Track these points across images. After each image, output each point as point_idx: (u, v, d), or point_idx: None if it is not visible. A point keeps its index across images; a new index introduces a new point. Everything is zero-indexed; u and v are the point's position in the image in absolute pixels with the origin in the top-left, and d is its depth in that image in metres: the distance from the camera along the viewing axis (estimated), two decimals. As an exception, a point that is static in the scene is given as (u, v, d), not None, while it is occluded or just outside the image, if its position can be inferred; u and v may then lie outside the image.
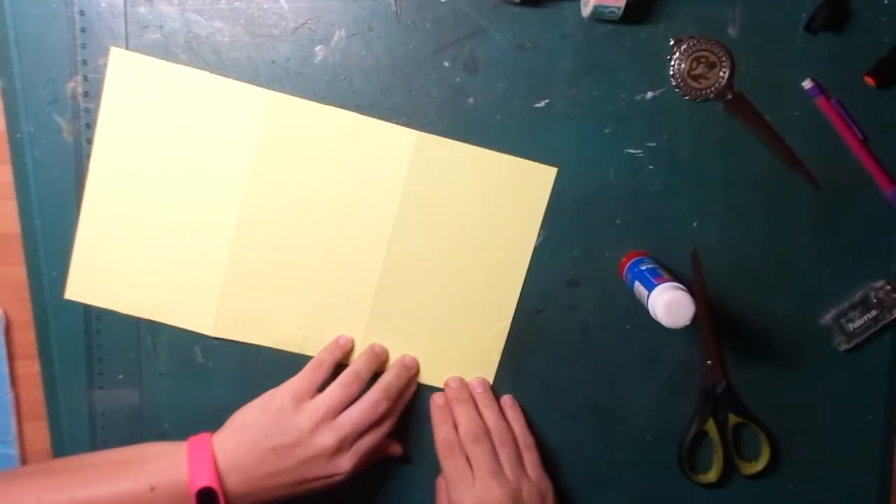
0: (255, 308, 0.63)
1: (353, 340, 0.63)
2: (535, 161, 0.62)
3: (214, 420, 0.61)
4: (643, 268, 0.59)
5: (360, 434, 0.58)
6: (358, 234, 0.62)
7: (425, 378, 0.65)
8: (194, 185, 0.61)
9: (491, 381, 0.65)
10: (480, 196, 0.62)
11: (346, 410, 0.58)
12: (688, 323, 0.53)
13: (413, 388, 0.64)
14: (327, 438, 0.56)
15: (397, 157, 0.61)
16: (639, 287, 0.58)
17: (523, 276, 0.63)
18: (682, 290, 0.54)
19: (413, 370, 0.64)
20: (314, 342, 0.63)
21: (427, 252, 0.63)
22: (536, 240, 0.63)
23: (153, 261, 0.62)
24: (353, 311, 0.63)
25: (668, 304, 0.53)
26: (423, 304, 0.63)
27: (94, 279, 0.62)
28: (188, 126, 0.60)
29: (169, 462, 0.54)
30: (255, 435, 0.56)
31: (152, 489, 0.53)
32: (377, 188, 0.61)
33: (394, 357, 0.64)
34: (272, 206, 0.61)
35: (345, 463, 0.57)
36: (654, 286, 0.55)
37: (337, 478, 0.57)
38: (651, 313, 0.54)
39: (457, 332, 0.64)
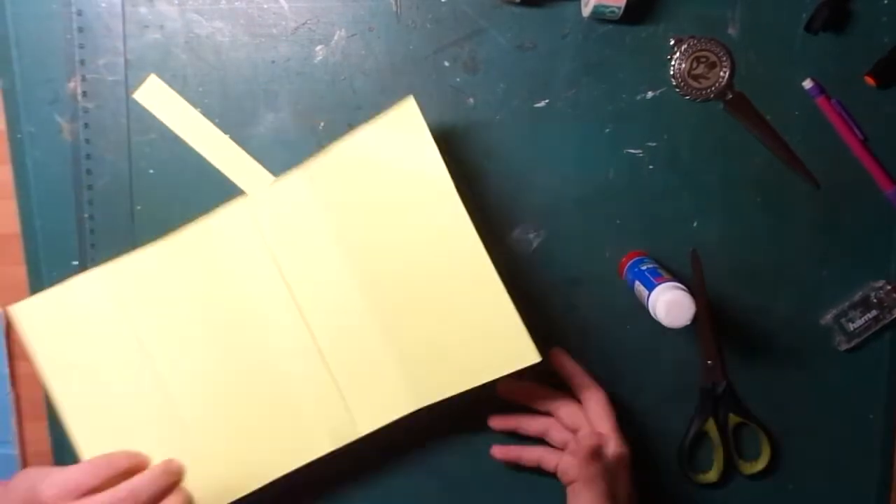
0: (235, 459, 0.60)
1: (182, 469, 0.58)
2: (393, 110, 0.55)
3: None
4: (643, 268, 0.59)
5: None
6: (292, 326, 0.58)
7: (466, 383, 0.58)
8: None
9: (537, 358, 0.55)
10: (385, 185, 0.55)
11: (87, 499, 0.54)
12: (688, 323, 0.53)
13: (177, 499, 0.58)
14: None
15: (307, 211, 0.57)
16: (639, 287, 0.58)
17: (471, 229, 0.54)
18: (683, 289, 0.54)
19: (175, 477, 0.58)
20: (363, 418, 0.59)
21: (388, 276, 0.57)
22: (537, 239, 0.63)
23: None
24: (369, 367, 0.59)
25: (669, 303, 0.53)
26: (416, 324, 0.57)
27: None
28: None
29: None
30: None
31: None
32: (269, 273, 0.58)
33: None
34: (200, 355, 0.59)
35: None
36: (655, 286, 0.55)
37: None
38: (651, 313, 0.54)
39: (458, 331, 0.57)
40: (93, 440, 0.59)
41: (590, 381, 0.61)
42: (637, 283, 0.58)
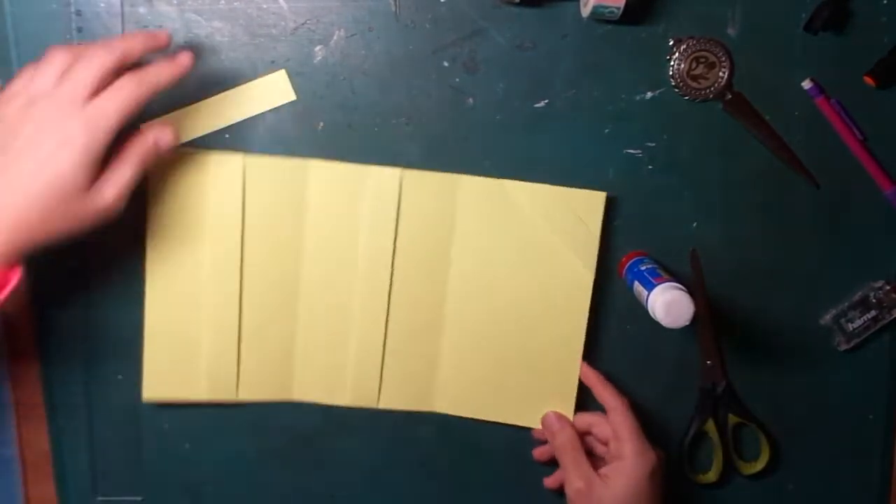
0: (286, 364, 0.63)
1: (168, 39, 0.53)
2: (583, 188, 0.60)
3: (217, 419, 0.61)
4: (643, 268, 0.59)
5: (91, 90, 0.48)
6: (410, 294, 0.62)
7: (499, 416, 0.64)
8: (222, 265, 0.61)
9: (571, 415, 0.63)
10: (528, 235, 0.61)
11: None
12: (687, 323, 0.53)
13: (166, 77, 0.52)
14: (38, 104, 0.47)
15: (443, 205, 0.61)
16: (638, 287, 0.58)
17: (587, 313, 0.62)
18: (682, 290, 0.54)
19: (182, 69, 0.53)
20: (387, 397, 0.63)
21: (486, 294, 0.62)
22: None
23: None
24: (418, 359, 0.63)
25: (668, 304, 0.53)
26: (486, 346, 0.63)
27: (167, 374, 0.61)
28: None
29: None
30: None
31: None
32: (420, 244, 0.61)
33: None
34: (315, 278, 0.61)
35: (75, 133, 0.47)
36: (654, 286, 0.55)
37: (71, 157, 0.47)
38: (651, 313, 0.54)
39: (525, 373, 0.63)
40: (159, 288, 0.60)
41: (611, 392, 0.61)
42: (636, 283, 0.58)
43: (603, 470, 0.59)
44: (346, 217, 0.61)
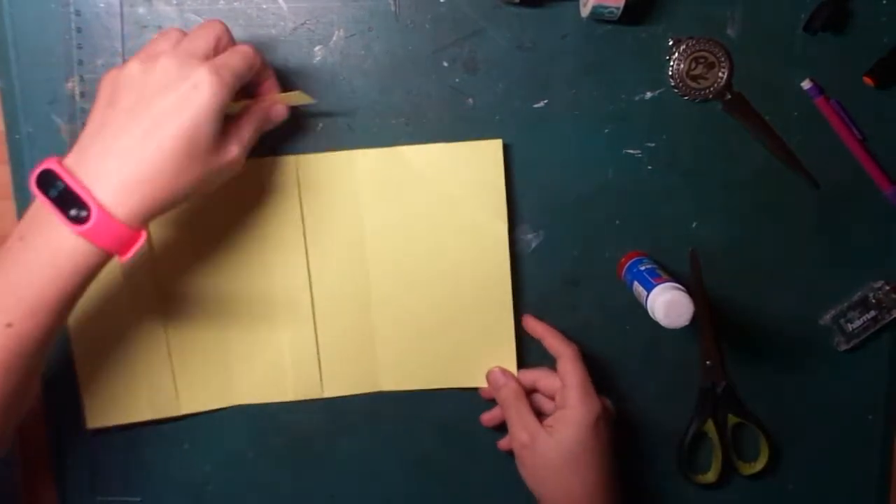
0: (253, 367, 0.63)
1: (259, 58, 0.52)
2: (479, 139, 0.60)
3: (217, 419, 0.61)
4: (642, 268, 0.59)
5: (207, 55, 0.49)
6: (335, 269, 0.61)
7: (445, 382, 0.64)
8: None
9: (514, 370, 0.63)
10: (434, 197, 0.60)
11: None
12: (687, 323, 0.53)
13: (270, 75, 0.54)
14: (159, 59, 0.47)
15: (345, 182, 0.60)
16: (638, 287, 0.58)
17: (507, 263, 0.61)
18: (681, 290, 0.54)
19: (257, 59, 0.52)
20: (330, 384, 0.63)
21: (406, 264, 0.61)
22: (536, 239, 0.63)
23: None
24: (353, 341, 0.63)
25: (667, 304, 0.53)
26: (417, 316, 0.62)
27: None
28: None
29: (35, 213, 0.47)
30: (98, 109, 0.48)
31: (21, 238, 0.46)
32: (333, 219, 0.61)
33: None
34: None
35: (203, 77, 0.46)
36: (653, 286, 0.55)
37: (206, 97, 0.46)
38: (650, 313, 0.54)
39: (461, 334, 0.63)
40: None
41: (560, 339, 0.60)
42: (636, 283, 0.58)
43: (547, 421, 0.58)
44: (251, 212, 0.60)
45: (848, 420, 0.67)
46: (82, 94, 0.60)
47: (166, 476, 0.65)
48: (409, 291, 0.62)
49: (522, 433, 0.57)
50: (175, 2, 0.59)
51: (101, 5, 0.59)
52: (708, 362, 0.64)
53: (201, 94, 0.46)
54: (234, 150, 0.50)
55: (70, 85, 0.60)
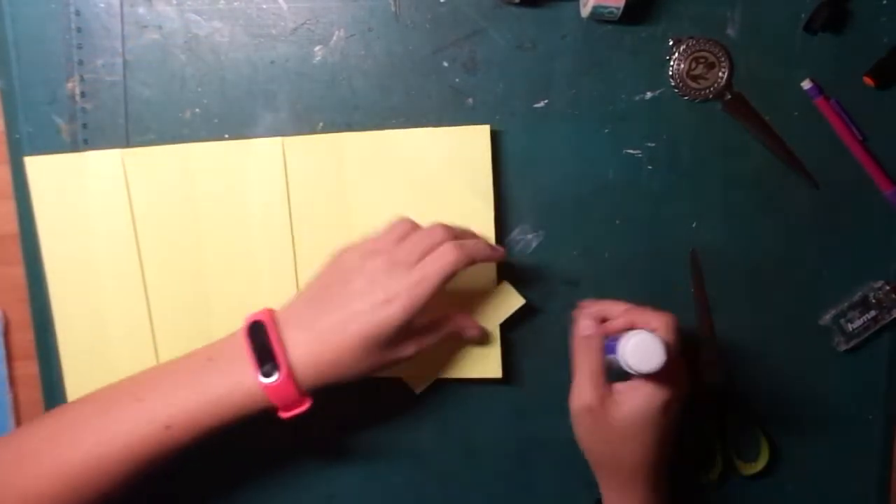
0: None
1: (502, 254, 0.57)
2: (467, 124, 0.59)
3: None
4: (608, 343, 0.55)
5: (417, 258, 0.52)
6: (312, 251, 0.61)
7: (431, 372, 0.63)
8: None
9: (499, 369, 0.62)
10: (422, 181, 0.60)
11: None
12: (662, 361, 0.49)
13: (484, 255, 0.55)
14: (374, 259, 0.52)
15: (332, 165, 0.60)
16: (609, 358, 0.54)
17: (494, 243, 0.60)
18: (647, 331, 0.50)
19: (500, 255, 0.57)
20: None
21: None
22: (536, 239, 0.63)
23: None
24: None
25: (635, 348, 0.49)
26: None
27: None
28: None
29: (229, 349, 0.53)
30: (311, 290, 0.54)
31: (210, 360, 0.52)
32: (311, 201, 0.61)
33: None
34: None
35: (398, 293, 0.51)
36: (618, 340, 0.51)
37: (395, 313, 0.50)
38: (625, 366, 0.50)
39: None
40: (67, 302, 0.61)
41: (648, 313, 0.53)
42: (608, 356, 0.54)
43: (621, 386, 0.53)
44: (236, 194, 0.60)
45: (849, 420, 0.67)
46: (82, 94, 0.60)
47: (166, 476, 0.65)
48: None
49: (590, 393, 0.53)
50: (175, 2, 0.59)
51: (101, 5, 0.59)
52: (708, 362, 0.64)
53: (393, 310, 0.51)
54: (411, 350, 0.54)
55: (70, 85, 0.60)
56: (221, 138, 0.61)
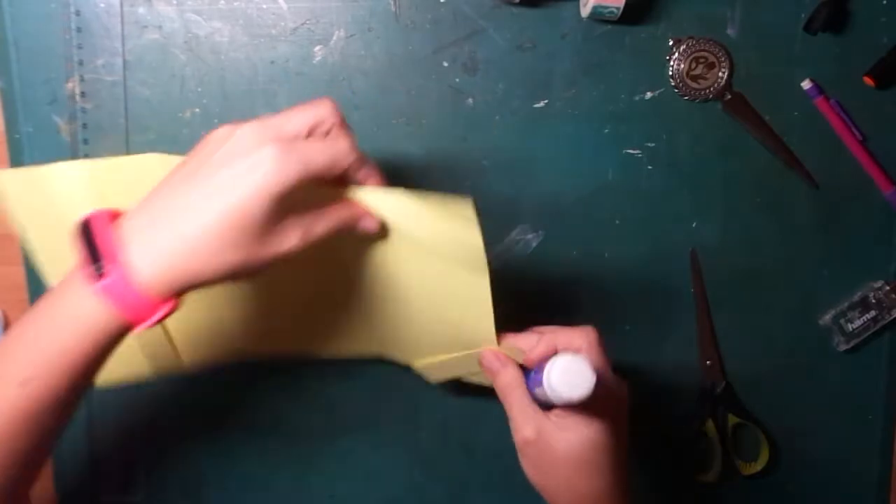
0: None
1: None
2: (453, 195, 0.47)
3: (217, 419, 0.61)
4: (532, 376, 0.51)
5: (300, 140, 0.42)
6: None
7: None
8: None
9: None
10: (410, 258, 0.50)
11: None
12: (593, 383, 0.45)
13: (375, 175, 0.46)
14: (246, 125, 0.42)
15: None
16: (536, 393, 0.49)
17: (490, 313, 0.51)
18: (569, 354, 0.46)
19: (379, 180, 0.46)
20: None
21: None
22: (536, 239, 0.63)
23: None
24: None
25: (561, 376, 0.45)
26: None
27: None
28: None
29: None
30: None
31: (50, 295, 0.42)
32: None
33: None
34: None
35: (265, 157, 0.40)
36: (541, 370, 0.46)
37: (264, 181, 0.39)
38: (555, 399, 0.46)
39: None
40: None
41: (569, 332, 0.51)
42: (535, 390, 0.49)
43: (557, 412, 0.49)
44: None
45: (848, 420, 0.67)
46: (82, 94, 0.60)
47: (166, 476, 0.65)
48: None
49: (526, 427, 0.50)
50: (175, 2, 0.59)
51: (101, 5, 0.59)
52: (708, 362, 0.64)
53: (256, 176, 0.40)
54: (293, 241, 0.42)
55: (70, 85, 0.60)
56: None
